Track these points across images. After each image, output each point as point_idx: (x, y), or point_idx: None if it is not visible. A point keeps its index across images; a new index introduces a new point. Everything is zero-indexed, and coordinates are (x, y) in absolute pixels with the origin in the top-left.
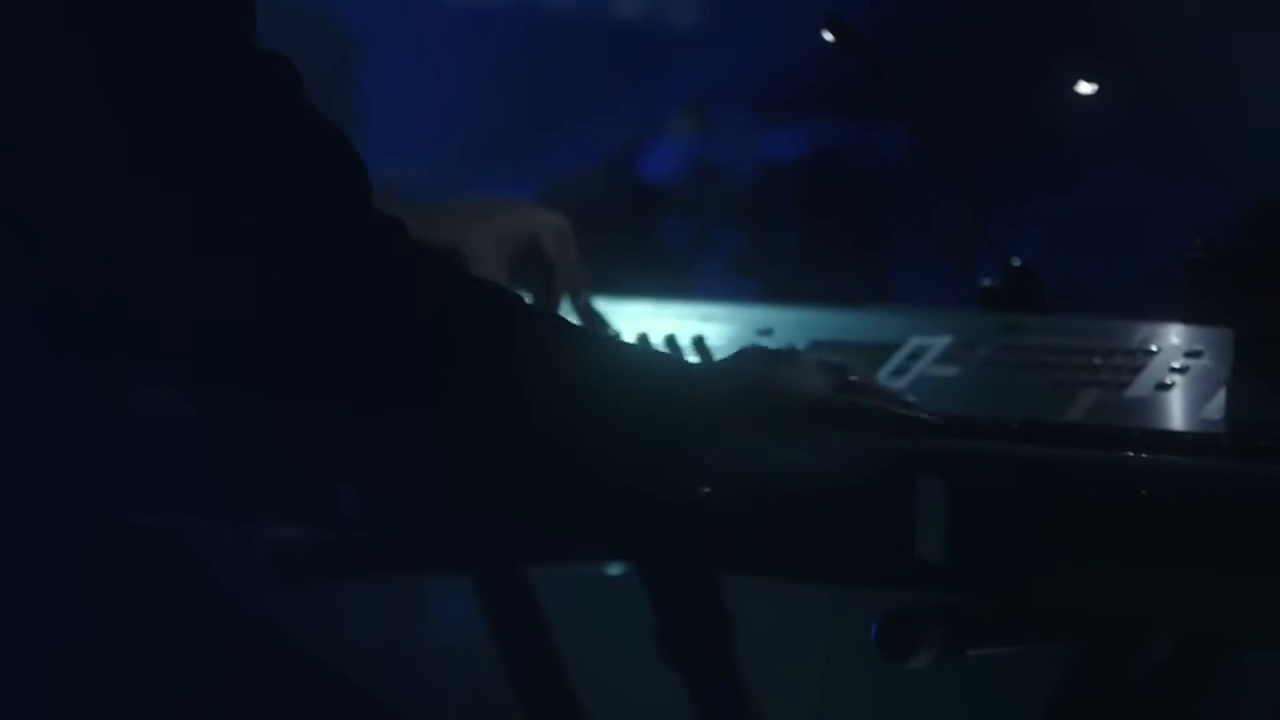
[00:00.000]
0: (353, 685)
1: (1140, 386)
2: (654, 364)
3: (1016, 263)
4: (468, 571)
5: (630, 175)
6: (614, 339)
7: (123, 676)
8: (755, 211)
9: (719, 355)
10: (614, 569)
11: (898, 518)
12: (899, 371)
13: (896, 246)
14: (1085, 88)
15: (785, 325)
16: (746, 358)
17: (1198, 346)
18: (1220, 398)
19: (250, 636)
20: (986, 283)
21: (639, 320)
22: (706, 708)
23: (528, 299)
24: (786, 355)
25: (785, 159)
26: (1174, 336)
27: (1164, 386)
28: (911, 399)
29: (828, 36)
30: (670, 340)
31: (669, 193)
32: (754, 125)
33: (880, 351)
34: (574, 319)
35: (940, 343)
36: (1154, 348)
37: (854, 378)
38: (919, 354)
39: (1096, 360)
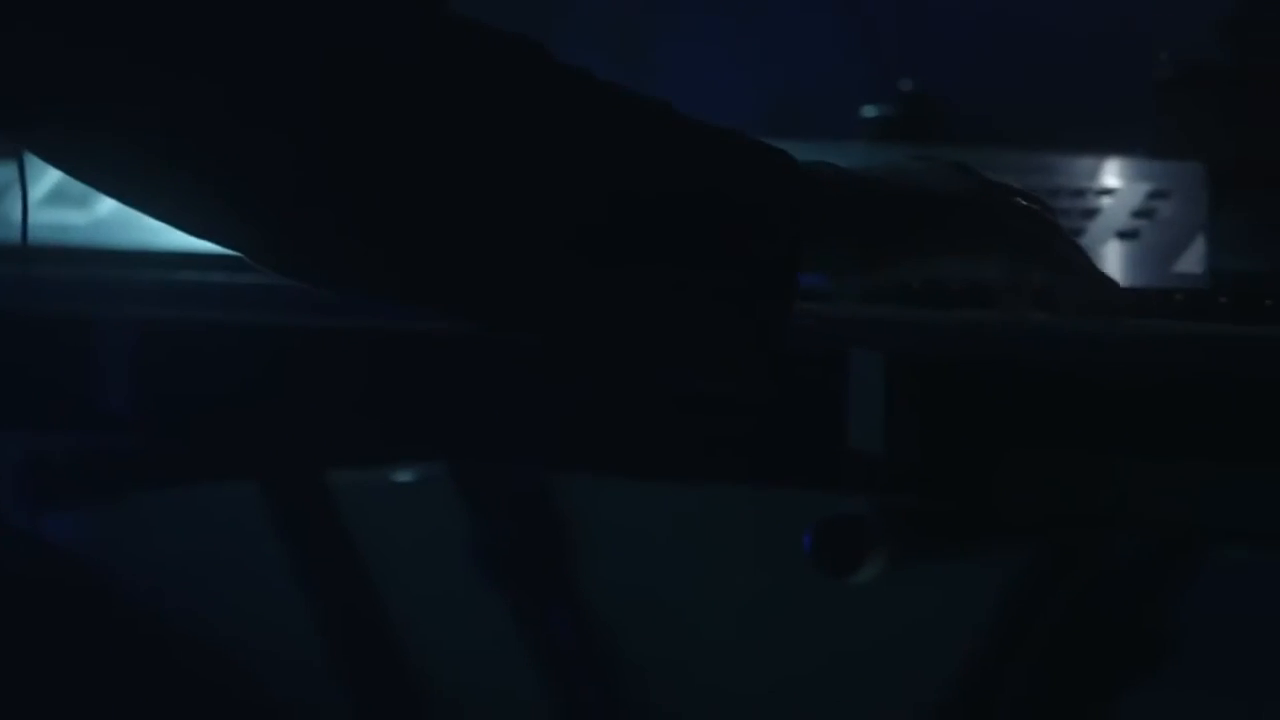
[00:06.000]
0: (128, 613)
1: (1096, 235)
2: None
3: (907, 85)
4: (259, 480)
5: None
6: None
7: None
8: None
9: None
10: (416, 474)
11: (826, 401)
12: None
13: None
14: None
15: None
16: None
17: (1164, 184)
18: (1199, 246)
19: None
20: (872, 111)
21: None
22: (541, 637)
23: None
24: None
25: None
26: (1132, 173)
27: (1126, 234)
28: None
29: None
30: None
31: None
32: None
33: None
34: None
35: None
36: (1109, 187)
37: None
38: None
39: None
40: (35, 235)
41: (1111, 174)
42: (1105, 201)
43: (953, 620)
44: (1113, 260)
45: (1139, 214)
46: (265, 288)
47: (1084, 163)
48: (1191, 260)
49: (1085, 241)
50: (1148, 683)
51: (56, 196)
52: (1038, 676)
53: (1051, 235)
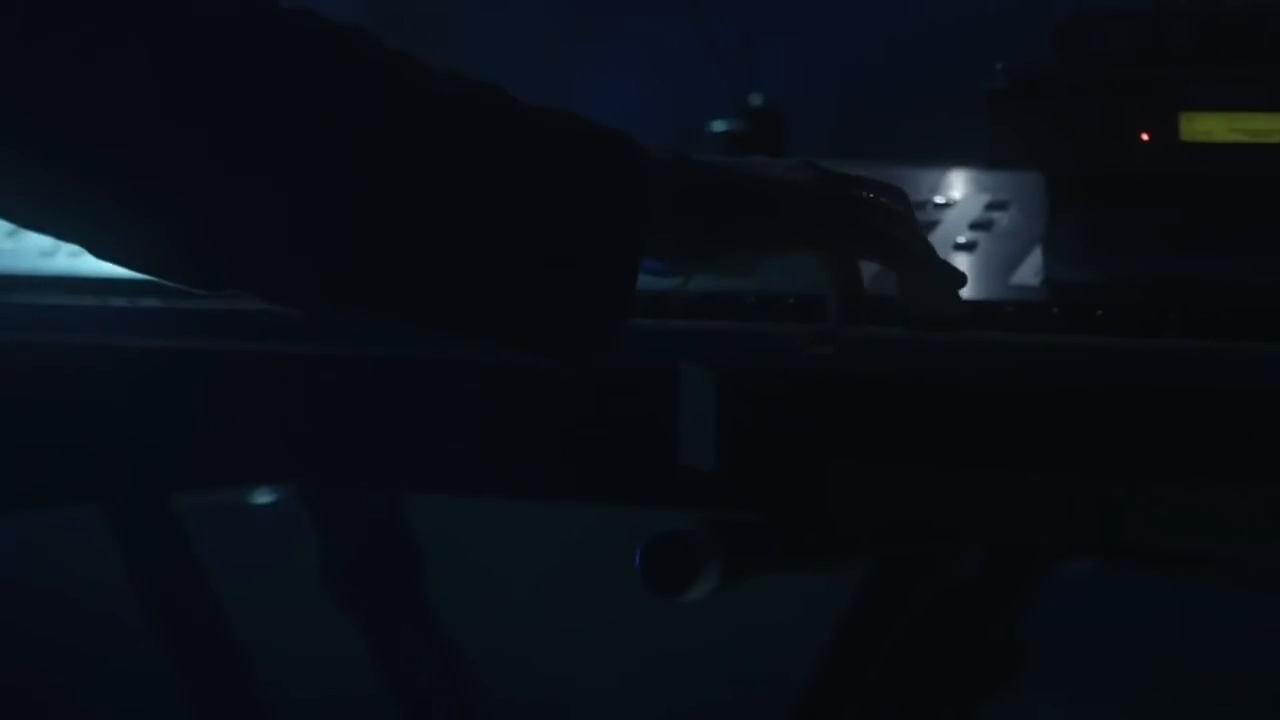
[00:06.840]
0: None
1: (936, 248)
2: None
3: (757, 100)
4: (109, 503)
5: None
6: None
7: None
8: None
9: None
10: (267, 496)
11: (658, 418)
12: None
13: None
14: None
15: None
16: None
17: (1002, 196)
18: (1036, 257)
19: None
20: (720, 126)
21: None
22: (391, 657)
23: None
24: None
25: None
26: (971, 184)
27: (964, 246)
28: None
29: None
30: None
31: None
32: None
33: None
34: None
35: None
36: (947, 199)
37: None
38: None
39: None
40: None
41: (951, 186)
42: (945, 214)
43: (794, 636)
44: None
45: (977, 225)
46: (115, 310)
47: (926, 175)
48: (1028, 272)
49: None
50: (993, 697)
51: None
52: (880, 692)
53: (895, 226)
